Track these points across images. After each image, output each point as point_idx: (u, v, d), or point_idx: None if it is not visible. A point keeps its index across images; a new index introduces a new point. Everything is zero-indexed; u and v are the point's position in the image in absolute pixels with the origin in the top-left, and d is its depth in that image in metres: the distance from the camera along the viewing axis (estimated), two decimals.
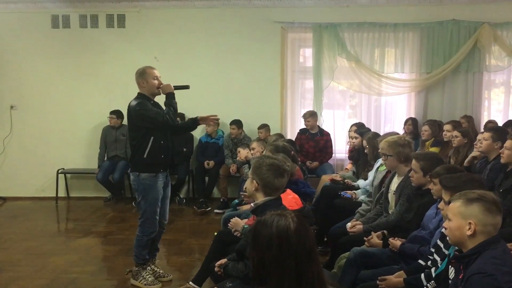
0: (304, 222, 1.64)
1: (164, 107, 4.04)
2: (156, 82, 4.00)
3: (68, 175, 7.46)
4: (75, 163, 7.39)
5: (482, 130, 6.25)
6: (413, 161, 3.52)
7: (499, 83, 7.24)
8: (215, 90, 7.26)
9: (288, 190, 3.01)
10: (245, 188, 2.91)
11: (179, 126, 4.44)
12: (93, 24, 7.25)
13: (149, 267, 4.19)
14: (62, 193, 7.41)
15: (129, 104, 4.03)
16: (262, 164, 2.65)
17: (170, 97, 4.03)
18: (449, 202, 2.26)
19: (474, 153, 4.50)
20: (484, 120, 6.88)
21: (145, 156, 3.94)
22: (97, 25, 7.26)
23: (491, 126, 5.42)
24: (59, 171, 7.23)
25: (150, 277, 4.14)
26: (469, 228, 2.06)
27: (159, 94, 4.07)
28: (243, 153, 6.19)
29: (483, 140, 4.24)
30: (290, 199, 3.04)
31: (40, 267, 4.60)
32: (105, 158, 7.21)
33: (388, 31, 6.91)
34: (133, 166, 4.08)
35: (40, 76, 7.35)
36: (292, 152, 4.21)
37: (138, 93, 4.06)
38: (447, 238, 2.34)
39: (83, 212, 6.75)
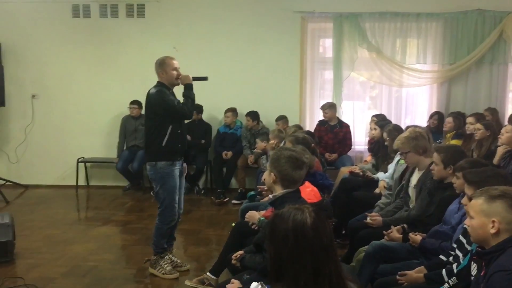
0: (321, 217, 1.60)
1: (182, 98, 4.04)
2: (175, 72, 4.00)
3: (88, 164, 7.54)
4: (94, 152, 7.45)
5: (506, 123, 6.12)
6: (435, 154, 3.45)
7: None
8: (233, 81, 7.23)
9: (307, 183, 2.97)
10: (263, 180, 2.89)
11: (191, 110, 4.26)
12: (113, 14, 7.27)
13: (167, 256, 4.21)
14: (82, 181, 7.50)
15: (149, 92, 4.04)
16: (281, 156, 2.62)
17: (188, 88, 4.03)
18: (471, 198, 2.20)
19: (501, 148, 4.37)
20: (509, 113, 6.69)
21: (163, 144, 3.94)
22: (117, 15, 7.28)
23: None
24: (79, 160, 7.31)
25: (168, 266, 4.15)
26: (493, 227, 2.00)
27: (178, 84, 4.07)
28: (261, 144, 6.16)
29: (505, 132, 4.13)
30: (309, 192, 3.01)
31: (60, 255, 4.66)
32: (124, 148, 7.26)
33: (410, 21, 6.78)
34: (149, 155, 4.09)
35: (61, 66, 7.41)
36: (312, 144, 4.17)
37: (158, 81, 4.06)
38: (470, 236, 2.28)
39: (103, 201, 6.82)
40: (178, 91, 4.15)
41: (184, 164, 4.27)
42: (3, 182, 7.11)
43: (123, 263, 4.61)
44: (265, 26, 7.08)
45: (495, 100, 6.77)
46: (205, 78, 4.19)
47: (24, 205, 6.55)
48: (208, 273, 3.75)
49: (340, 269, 1.57)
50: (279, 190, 2.62)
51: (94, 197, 7.16)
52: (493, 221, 1.99)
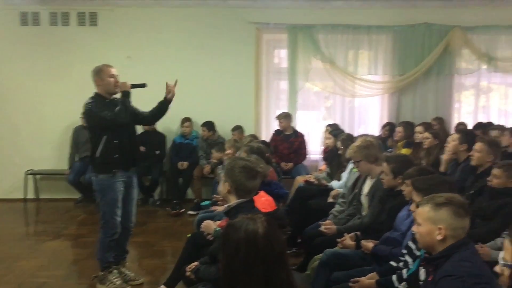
0: (274, 226, 1.61)
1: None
2: (112, 80, 3.95)
3: (38, 176, 7.28)
4: (44, 164, 7.20)
5: (452, 132, 6.39)
6: (384, 164, 3.55)
7: (469, 85, 7.38)
8: (189, 91, 7.12)
9: (262, 192, 2.99)
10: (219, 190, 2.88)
11: (147, 117, 4.24)
12: (64, 22, 7.10)
13: (115, 270, 4.09)
14: (31, 194, 7.23)
15: (85, 103, 3.97)
16: (235, 166, 2.63)
17: (124, 95, 3.97)
18: (418, 205, 2.27)
19: (446, 156, 4.56)
20: (455, 122, 7.01)
21: (97, 155, 3.90)
22: (68, 23, 7.11)
23: (461, 128, 5.50)
24: (28, 172, 7.04)
25: (118, 280, 4.05)
26: (439, 233, 2.07)
27: (116, 92, 4.01)
28: (216, 154, 6.15)
29: (451, 141, 4.31)
30: (264, 201, 3.02)
31: (6, 272, 4.45)
32: (76, 159, 7.06)
33: (362, 33, 6.98)
34: (92, 167, 4.06)
35: (8, 75, 7.14)
36: (267, 153, 4.20)
37: (95, 93, 4.01)
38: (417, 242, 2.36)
39: (53, 214, 6.59)
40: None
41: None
42: None
43: (74, 278, 4.46)
44: (221, 37, 7.10)
45: (442, 109, 7.05)
46: (144, 85, 4.10)
47: None
48: (162, 286, 3.70)
49: (291, 278, 1.59)
50: (233, 200, 2.62)
51: (44, 211, 6.91)
52: (439, 228, 2.06)
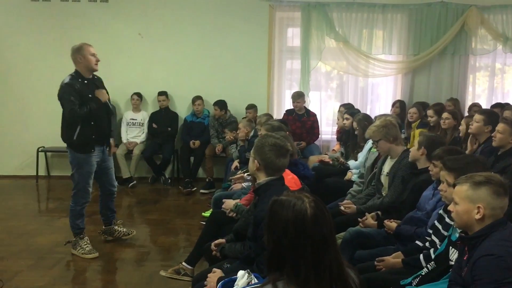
0: (321, 207, 1.58)
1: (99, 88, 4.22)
2: (93, 58, 4.12)
3: (49, 154, 7.26)
4: (55, 141, 7.14)
5: (466, 113, 6.33)
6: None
7: (484, 66, 7.30)
8: (200, 69, 7.14)
9: (287, 170, 2.96)
10: (234, 169, 2.84)
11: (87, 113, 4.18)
12: None
13: (86, 237, 4.33)
14: (42, 171, 7.22)
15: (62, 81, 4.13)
16: (265, 144, 2.59)
17: (95, 101, 4.10)
18: (454, 185, 2.24)
19: (466, 137, 4.50)
20: (468, 103, 6.94)
21: (75, 138, 4.08)
22: None
23: (483, 109, 5.41)
24: (39, 149, 7.03)
25: (87, 246, 4.29)
26: (478, 212, 2.05)
27: (96, 70, 4.21)
28: (229, 134, 6.13)
29: (474, 122, 4.26)
30: (290, 179, 3.00)
31: (24, 247, 4.49)
32: None
33: (376, 12, 6.87)
34: (66, 142, 4.19)
35: (19, 51, 7.08)
36: (288, 132, 4.17)
37: (75, 70, 4.16)
38: (453, 222, 2.33)
39: (65, 192, 6.49)
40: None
41: (111, 141, 4.40)
42: None
43: None
44: (233, 14, 7.01)
45: (456, 90, 6.98)
46: (111, 111, 4.49)
47: None
48: (183, 263, 3.71)
49: (340, 259, 1.56)
50: (262, 178, 2.59)
51: (56, 188, 6.91)
52: (478, 207, 2.04)
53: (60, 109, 7.20)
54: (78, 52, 4.09)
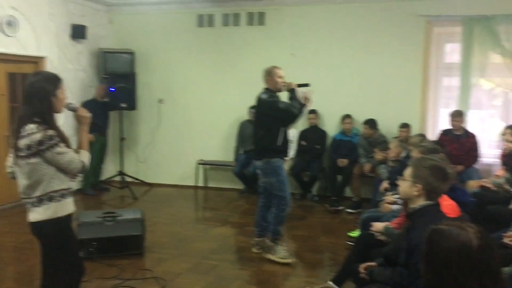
0: (488, 238, 1.46)
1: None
2: (280, 80, 4.57)
3: (207, 167, 7.89)
4: (213, 155, 7.77)
5: None
6: None
7: None
8: (350, 87, 7.12)
9: (444, 196, 2.78)
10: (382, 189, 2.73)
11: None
12: (235, 22, 7.55)
13: (284, 243, 4.72)
14: (200, 182, 7.87)
15: (259, 97, 4.62)
16: (425, 166, 2.47)
17: (292, 92, 4.52)
18: None
19: None
20: None
21: (278, 143, 4.50)
22: (239, 23, 7.54)
23: None
24: (199, 162, 7.67)
25: (284, 252, 4.62)
26: None
27: (281, 91, 4.62)
28: (380, 153, 5.97)
29: None
30: (446, 205, 2.82)
31: (184, 251, 4.91)
32: (241, 152, 7.46)
33: None
34: (262, 153, 4.56)
35: (185, 72, 7.85)
36: (442, 154, 3.92)
37: (266, 88, 4.62)
38: None
39: (220, 202, 7.07)
40: None
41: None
42: (131, 180, 7.69)
43: (241, 264, 4.72)
44: (385, 32, 6.87)
45: None
46: (307, 85, 4.66)
47: (149, 202, 7.03)
48: (330, 282, 3.69)
49: None
50: (418, 203, 2.48)
51: (212, 198, 7.46)
52: None
53: (220, 125, 7.77)
54: (269, 75, 4.60)
